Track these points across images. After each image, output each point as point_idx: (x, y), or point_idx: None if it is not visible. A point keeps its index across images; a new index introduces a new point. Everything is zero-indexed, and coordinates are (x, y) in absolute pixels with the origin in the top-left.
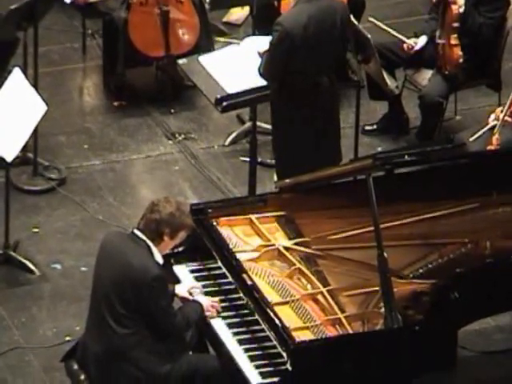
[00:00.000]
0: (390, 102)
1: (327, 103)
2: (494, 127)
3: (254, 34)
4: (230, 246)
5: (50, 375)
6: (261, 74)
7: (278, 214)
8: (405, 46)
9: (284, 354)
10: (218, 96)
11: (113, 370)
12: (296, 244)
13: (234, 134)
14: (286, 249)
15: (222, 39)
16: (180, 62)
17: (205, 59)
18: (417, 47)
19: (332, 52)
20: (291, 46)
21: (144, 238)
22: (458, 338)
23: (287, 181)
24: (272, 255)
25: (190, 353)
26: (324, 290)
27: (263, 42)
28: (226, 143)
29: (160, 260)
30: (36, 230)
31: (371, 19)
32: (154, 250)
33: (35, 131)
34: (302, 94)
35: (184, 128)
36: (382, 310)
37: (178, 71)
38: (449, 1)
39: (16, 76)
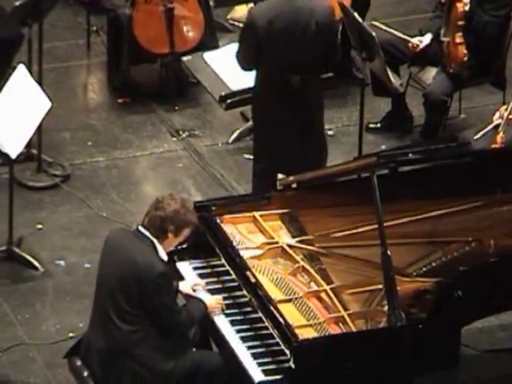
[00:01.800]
0: (394, 100)
1: (298, 105)
2: (498, 126)
3: None
4: (234, 244)
5: (54, 371)
6: (237, 60)
7: (282, 211)
8: (410, 45)
9: (287, 352)
10: (222, 93)
11: (116, 367)
12: (299, 242)
13: (237, 132)
14: (290, 246)
15: None
16: (184, 59)
17: (209, 56)
18: (422, 45)
19: (304, 53)
20: (255, 37)
21: (148, 234)
22: (461, 336)
23: (291, 178)
24: (275, 253)
25: (194, 350)
26: (327, 287)
27: None
28: (230, 140)
29: (164, 257)
30: (40, 226)
31: (374, 23)
32: (159, 246)
33: (39, 128)
34: (272, 92)
35: (188, 125)
36: (386, 308)
37: (183, 68)
38: None
39: (20, 72)
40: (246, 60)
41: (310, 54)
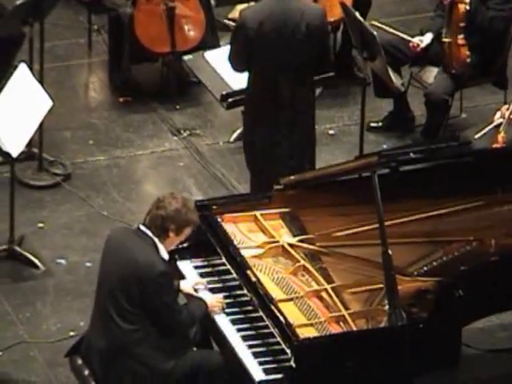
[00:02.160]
0: (396, 100)
1: (290, 105)
2: (499, 125)
3: None
4: (235, 243)
5: (54, 370)
6: (229, 62)
7: (283, 210)
8: (410, 44)
9: (288, 351)
10: (224, 92)
11: (117, 366)
12: (300, 241)
13: (238, 131)
14: (291, 245)
15: None
16: (185, 58)
17: (210, 55)
18: (422, 45)
19: (294, 55)
20: (246, 39)
21: (150, 233)
22: (461, 335)
23: (292, 178)
24: (276, 252)
25: (194, 349)
26: (328, 287)
27: None
28: (231, 139)
29: (165, 256)
30: (41, 225)
31: (374, 23)
32: (160, 246)
33: (40, 126)
34: (264, 93)
35: (189, 124)
36: (386, 307)
37: (184, 67)
38: (455, 0)
39: (22, 71)
40: (237, 62)
41: (301, 56)
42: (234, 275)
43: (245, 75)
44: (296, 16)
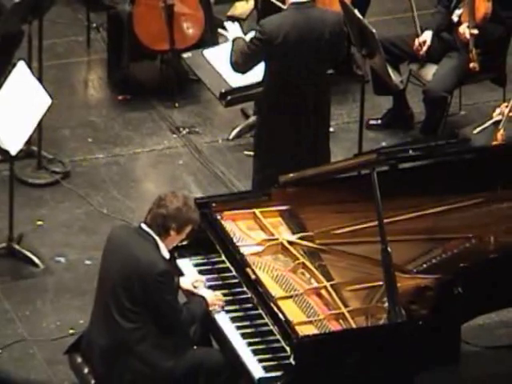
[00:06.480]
0: (395, 97)
1: (311, 110)
2: (498, 122)
3: None
4: (234, 240)
5: (54, 368)
6: (231, 63)
7: (282, 208)
8: (414, 48)
9: (287, 349)
10: (223, 90)
11: (117, 364)
12: (300, 238)
13: (238, 128)
14: (290, 243)
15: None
16: (184, 55)
17: (209, 53)
18: (428, 43)
19: (317, 62)
20: (269, 50)
21: (151, 232)
22: (461, 332)
23: (291, 175)
24: (276, 249)
25: (195, 347)
26: (328, 284)
27: None
28: (231, 137)
29: (166, 255)
30: (40, 223)
31: None
32: (161, 244)
33: (39, 124)
34: (284, 98)
35: (188, 122)
36: (386, 304)
37: (183, 65)
38: None
39: (20, 69)
40: (247, 65)
41: (324, 61)
42: (234, 273)
43: (246, 74)
44: (319, 24)
